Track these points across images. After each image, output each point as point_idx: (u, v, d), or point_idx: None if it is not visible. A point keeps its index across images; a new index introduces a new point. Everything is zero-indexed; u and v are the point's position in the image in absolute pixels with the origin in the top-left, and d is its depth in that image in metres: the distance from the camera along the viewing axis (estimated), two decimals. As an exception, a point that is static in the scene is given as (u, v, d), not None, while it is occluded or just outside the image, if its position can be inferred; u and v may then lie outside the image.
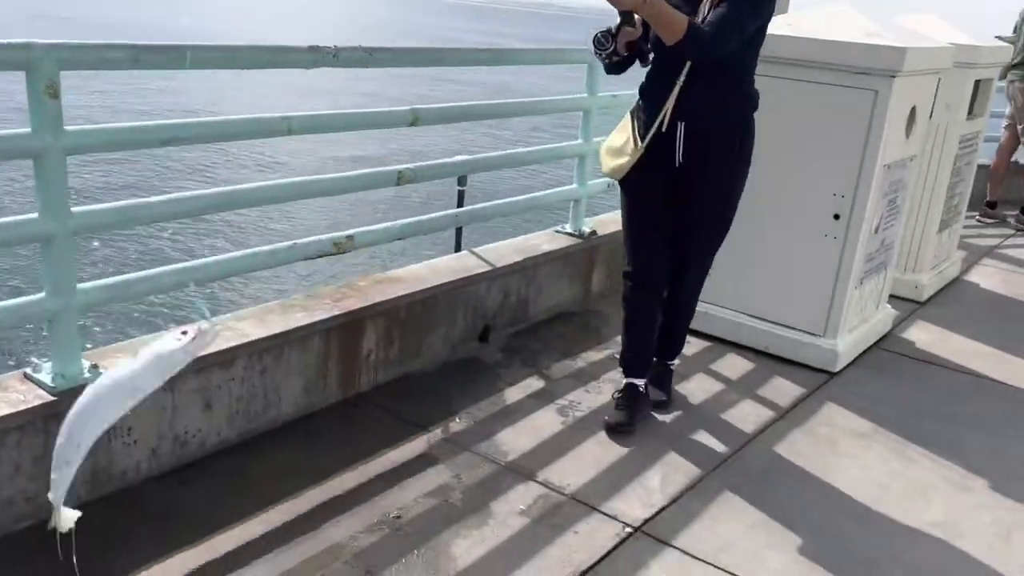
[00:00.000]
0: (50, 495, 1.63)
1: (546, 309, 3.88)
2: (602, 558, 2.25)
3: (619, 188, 2.83)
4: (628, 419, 2.87)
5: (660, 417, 3.01)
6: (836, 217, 3.36)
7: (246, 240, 9.53)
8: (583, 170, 3.93)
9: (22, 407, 2.13)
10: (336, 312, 2.91)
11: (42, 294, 2.21)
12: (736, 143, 2.67)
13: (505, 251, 3.72)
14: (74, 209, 2.19)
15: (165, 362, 1.54)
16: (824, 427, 3.06)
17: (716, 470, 2.72)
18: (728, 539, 2.37)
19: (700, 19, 2.46)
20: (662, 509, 2.48)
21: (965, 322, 4.19)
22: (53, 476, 1.61)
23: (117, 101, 16.78)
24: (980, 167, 5.23)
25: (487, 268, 3.51)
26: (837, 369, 3.48)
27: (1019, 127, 6.25)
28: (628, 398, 2.92)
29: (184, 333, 1.50)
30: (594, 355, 3.50)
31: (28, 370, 2.27)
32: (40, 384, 2.22)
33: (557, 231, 4.05)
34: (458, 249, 4.03)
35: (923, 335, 4.01)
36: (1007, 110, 6.32)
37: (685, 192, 2.71)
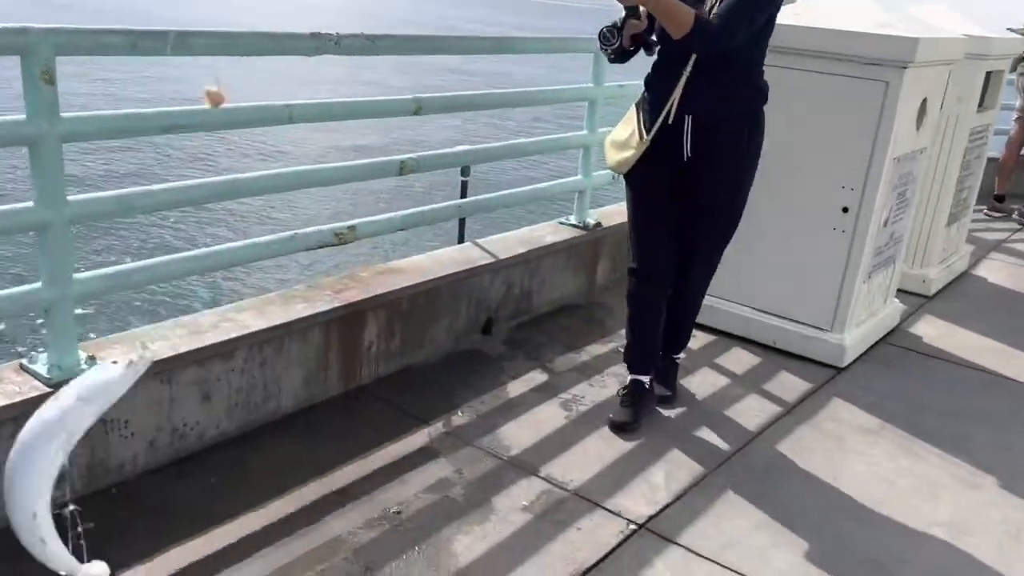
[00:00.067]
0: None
1: (550, 301, 3.84)
2: (606, 555, 2.22)
3: (624, 182, 2.78)
4: (633, 417, 2.83)
5: (665, 412, 2.98)
6: (845, 210, 3.31)
7: (248, 230, 9.51)
8: (588, 161, 3.88)
9: (17, 399, 2.10)
10: (337, 303, 2.87)
11: (38, 283, 2.17)
12: (744, 135, 2.61)
13: (509, 242, 3.68)
14: (70, 197, 2.15)
15: (98, 394, 1.35)
16: (831, 423, 3.02)
17: (721, 466, 2.68)
18: (733, 537, 2.34)
19: (708, 9, 2.40)
20: (666, 506, 2.45)
21: (973, 317, 4.14)
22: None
23: (119, 89, 16.74)
24: (989, 160, 5.17)
25: (490, 260, 3.46)
26: (844, 364, 3.44)
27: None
28: (633, 395, 2.88)
29: (115, 363, 1.33)
30: (598, 348, 3.47)
31: (24, 361, 2.24)
32: (36, 375, 2.18)
33: (561, 223, 4.00)
34: (461, 240, 3.99)
35: (931, 330, 3.96)
36: (1017, 103, 6.25)
37: (692, 185, 2.66)
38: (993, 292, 4.66)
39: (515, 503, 2.41)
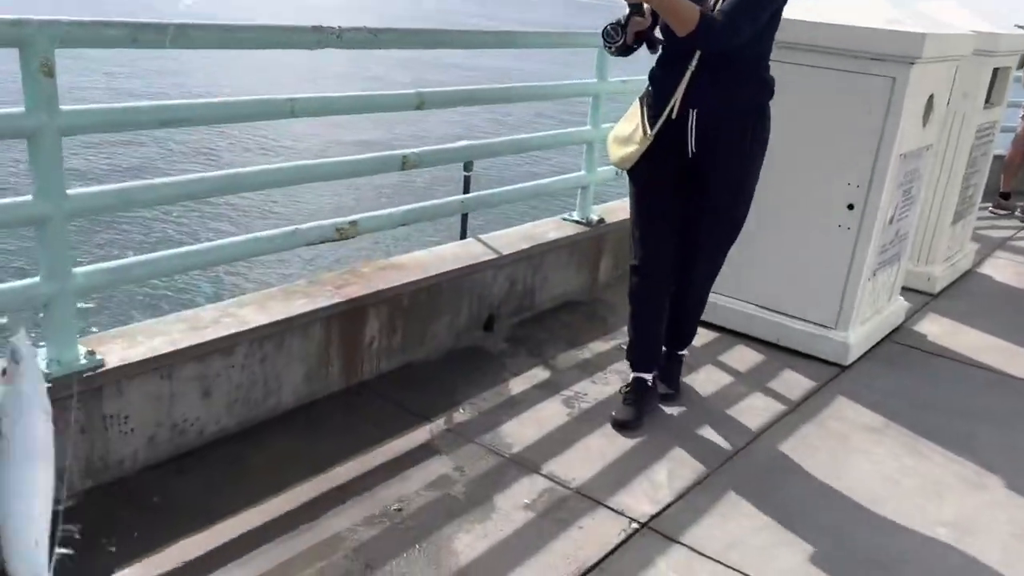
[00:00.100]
0: None
1: (552, 298, 3.82)
2: (608, 554, 2.20)
3: (627, 178, 2.75)
4: (635, 416, 2.81)
5: (668, 410, 2.96)
6: (850, 207, 3.29)
7: (251, 224, 9.50)
8: (592, 156, 3.86)
9: (15, 394, 2.08)
10: (338, 299, 2.85)
11: (37, 278, 2.15)
12: (749, 130, 2.58)
13: (511, 238, 3.66)
14: (70, 191, 2.13)
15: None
16: (835, 421, 3.00)
17: (725, 465, 2.66)
18: (737, 536, 2.32)
19: (712, 5, 2.38)
20: (669, 505, 2.43)
21: (978, 315, 4.12)
22: None
23: (124, 83, 16.73)
24: (995, 158, 5.14)
25: (493, 256, 3.44)
26: (848, 362, 3.41)
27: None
28: (636, 392, 2.86)
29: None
30: (601, 345, 3.45)
31: (23, 355, 2.22)
32: (35, 370, 2.16)
33: (564, 219, 3.98)
34: (463, 236, 3.97)
35: (935, 328, 3.94)
36: (1024, 100, 6.22)
37: (696, 182, 2.63)
38: (998, 290, 4.63)
39: (517, 501, 2.39)
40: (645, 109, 2.64)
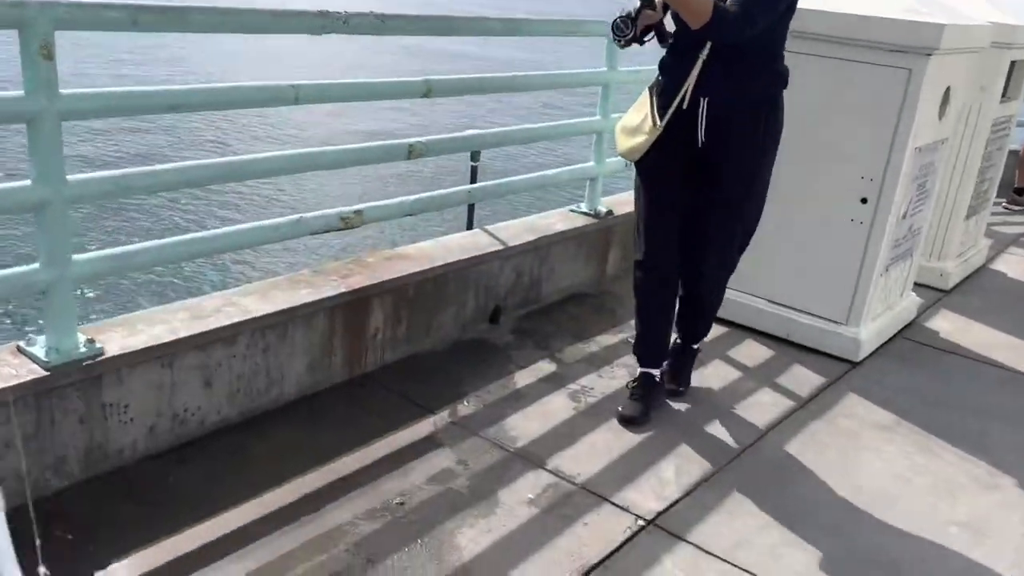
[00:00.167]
0: None
1: (559, 290, 3.77)
2: (613, 552, 2.17)
3: (634, 169, 2.70)
4: (642, 411, 2.77)
5: (675, 405, 2.91)
6: (863, 201, 3.23)
7: (261, 213, 9.48)
8: (600, 147, 3.81)
9: (13, 382, 2.05)
10: (343, 289, 2.82)
11: (36, 264, 2.12)
12: (762, 121, 2.52)
13: (518, 229, 3.61)
14: (69, 177, 2.09)
15: None
16: (845, 418, 2.96)
17: (732, 462, 2.62)
18: (745, 535, 2.28)
19: None
20: (676, 502, 2.39)
21: (990, 312, 4.06)
22: None
23: (132, 71, 16.71)
24: (1010, 153, 5.06)
25: (499, 247, 3.40)
26: (859, 358, 3.36)
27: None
28: (643, 388, 2.82)
29: None
30: (608, 338, 3.40)
31: (22, 343, 2.19)
32: (33, 358, 2.14)
33: (572, 210, 3.93)
34: (470, 227, 3.92)
35: (947, 324, 3.88)
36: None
37: (706, 174, 2.56)
38: (1011, 287, 4.57)
39: (521, 496, 2.36)
40: (655, 99, 2.58)
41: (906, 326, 3.78)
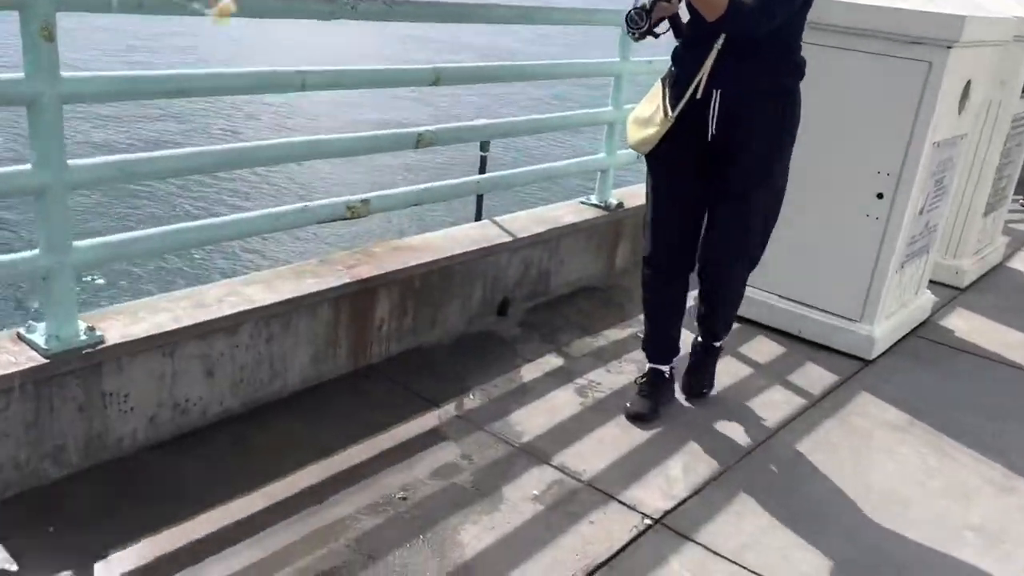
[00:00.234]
0: None
1: (568, 283, 3.73)
2: (619, 551, 2.12)
3: (645, 162, 2.64)
4: (650, 408, 2.72)
5: (684, 402, 2.86)
6: (880, 196, 3.17)
7: (270, 202, 9.46)
8: (612, 139, 3.75)
9: (12, 369, 2.02)
10: (348, 279, 2.78)
11: (36, 250, 2.09)
12: (778, 114, 2.45)
13: (527, 221, 3.56)
14: (70, 161, 2.06)
15: None
16: (858, 418, 2.90)
17: (742, 461, 2.57)
18: (754, 536, 2.23)
19: None
20: (684, 501, 2.34)
21: (1007, 311, 3.99)
22: None
23: (146, 57, 16.73)
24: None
25: (508, 238, 3.35)
26: (872, 356, 3.31)
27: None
28: (651, 384, 2.77)
29: None
30: (616, 333, 3.36)
31: (21, 330, 2.16)
32: (33, 345, 2.11)
33: (582, 202, 3.88)
34: (478, 218, 3.88)
35: (962, 323, 3.82)
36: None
37: (720, 168, 2.49)
38: (1028, 286, 4.50)
39: (525, 492, 2.32)
40: (667, 90, 2.52)
41: (920, 324, 3.72)
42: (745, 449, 2.63)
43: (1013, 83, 3.98)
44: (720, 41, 2.36)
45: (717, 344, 2.91)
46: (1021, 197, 5.97)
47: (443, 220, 7.31)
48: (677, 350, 2.83)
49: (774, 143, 2.48)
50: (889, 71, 3.05)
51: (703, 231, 2.63)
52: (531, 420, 2.67)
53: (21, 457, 2.09)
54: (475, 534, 2.14)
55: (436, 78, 2.89)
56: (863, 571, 2.17)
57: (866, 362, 3.29)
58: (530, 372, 2.98)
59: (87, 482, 2.20)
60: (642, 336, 2.87)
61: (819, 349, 3.35)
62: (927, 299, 3.79)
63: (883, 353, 3.38)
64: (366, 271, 2.85)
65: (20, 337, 2.14)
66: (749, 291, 3.42)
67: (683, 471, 2.48)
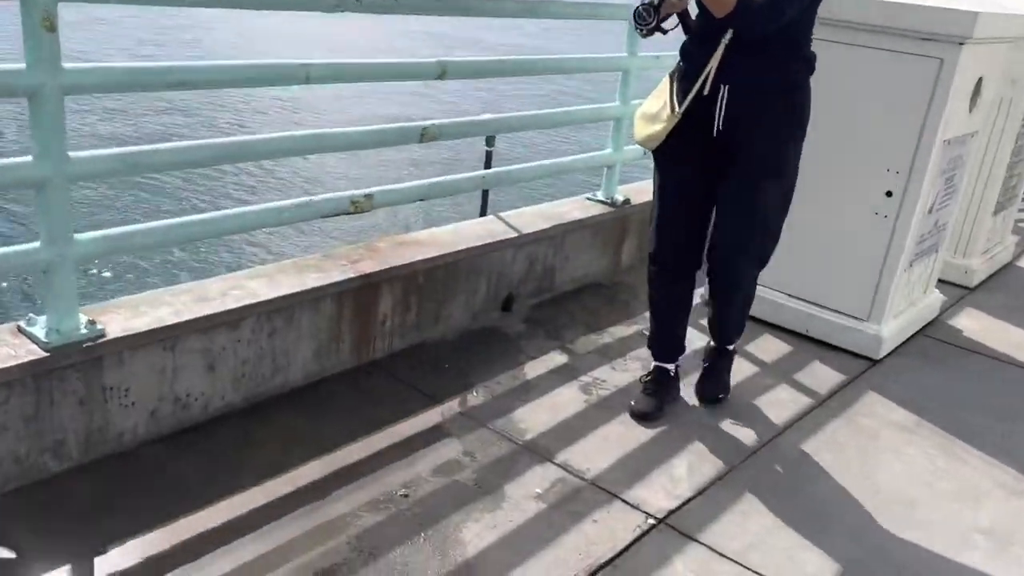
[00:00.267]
0: None
1: (573, 279, 3.70)
2: (623, 551, 2.10)
3: (653, 158, 2.61)
4: (655, 407, 2.70)
5: (690, 401, 2.84)
6: (888, 194, 3.13)
7: (276, 196, 9.46)
8: (619, 134, 3.72)
9: (11, 363, 2.01)
10: (352, 274, 2.76)
11: (37, 243, 2.07)
12: (787, 109, 2.41)
13: (532, 217, 3.54)
14: (72, 154, 2.04)
15: None
16: (865, 418, 2.87)
17: (748, 460, 2.55)
18: (759, 536, 2.21)
19: None
20: (688, 500, 2.32)
21: (1016, 310, 3.95)
22: None
23: (154, 51, 16.74)
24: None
25: (513, 234, 3.33)
26: (880, 356, 3.27)
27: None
28: (656, 382, 2.74)
29: None
30: (622, 330, 3.33)
31: (22, 323, 2.15)
32: (33, 338, 2.09)
33: (588, 198, 3.86)
34: (483, 213, 3.85)
35: (971, 323, 3.78)
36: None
37: (728, 165, 2.45)
38: (1038, 286, 4.45)
39: (528, 491, 2.30)
40: (675, 85, 2.49)
41: (929, 324, 3.68)
42: (751, 448, 2.61)
43: (1025, 81, 3.94)
44: (728, 36, 2.33)
45: (730, 348, 2.86)
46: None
47: (449, 216, 7.30)
48: (683, 349, 2.80)
49: (783, 139, 2.45)
50: (900, 67, 3.01)
51: (712, 229, 2.60)
52: (534, 417, 2.65)
53: (21, 451, 2.07)
54: (477, 532, 2.12)
55: (442, 71, 2.86)
56: (869, 573, 2.14)
57: (874, 361, 3.25)
58: (534, 369, 2.96)
59: (87, 476, 2.19)
60: (647, 334, 2.84)
61: (826, 348, 3.31)
62: (936, 298, 3.76)
63: (891, 352, 3.34)
64: (369, 266, 2.83)
65: (20, 330, 2.13)
66: (756, 289, 3.40)
67: (688, 470, 2.45)
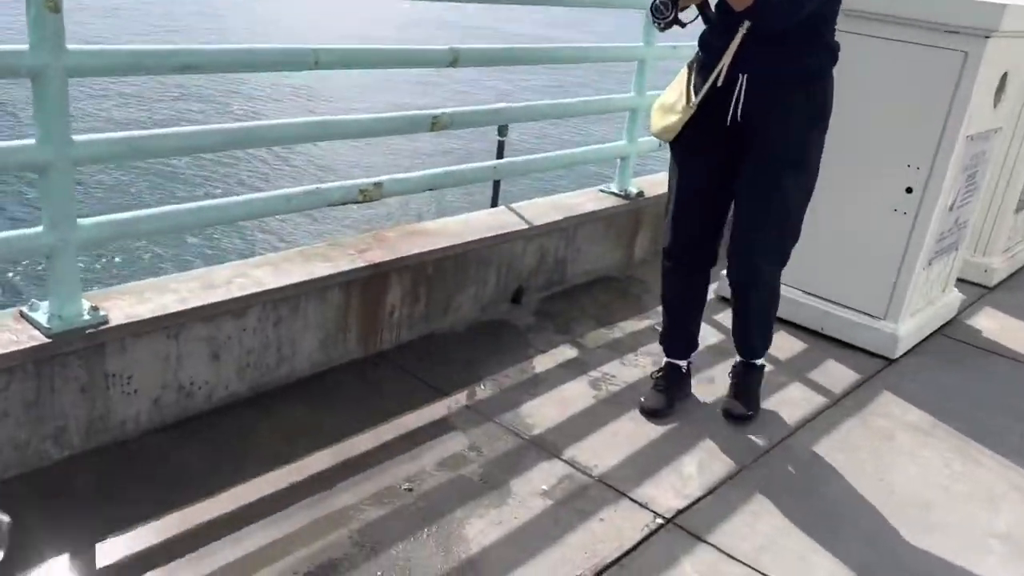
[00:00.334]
0: None
1: (585, 273, 3.65)
2: (629, 550, 2.06)
3: (669, 150, 2.55)
4: (665, 403, 2.65)
5: (701, 398, 2.79)
6: (909, 191, 3.06)
7: (288, 184, 9.44)
8: (634, 125, 3.67)
9: (12, 348, 1.98)
10: (360, 264, 2.72)
11: (40, 227, 2.04)
12: (809, 99, 2.33)
13: (544, 208, 3.49)
14: (75, 137, 2.01)
15: None
16: (880, 418, 2.81)
17: (759, 460, 2.50)
18: (770, 538, 2.16)
19: None
20: (698, 500, 2.27)
21: (1037, 311, 3.88)
22: None
23: (170, 37, 16.75)
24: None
25: (524, 226, 3.28)
26: (896, 355, 3.21)
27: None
28: (667, 379, 2.69)
29: None
30: (633, 325, 3.28)
31: (25, 308, 2.12)
32: (35, 324, 2.07)
33: (602, 190, 3.80)
34: (495, 204, 3.81)
35: (990, 323, 3.71)
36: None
37: (748, 157, 2.37)
38: (1059, 286, 4.37)
39: (534, 487, 2.26)
40: (693, 75, 2.43)
41: (947, 323, 3.61)
42: (762, 448, 2.56)
43: (1051, 76, 3.84)
44: (746, 25, 2.26)
45: (757, 363, 2.74)
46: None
47: (462, 206, 7.25)
48: (695, 345, 2.75)
49: (804, 130, 2.36)
50: (923, 61, 2.94)
51: (732, 227, 2.52)
52: (542, 412, 2.61)
53: (21, 437, 2.05)
54: (481, 528, 2.08)
55: (454, 59, 2.81)
56: (882, 578, 2.09)
57: (889, 361, 3.19)
58: (543, 363, 2.92)
59: (88, 464, 2.16)
60: (659, 329, 2.79)
61: (841, 347, 3.25)
62: (954, 297, 3.68)
63: (907, 352, 3.28)
64: (378, 255, 2.79)
65: (23, 315, 2.10)
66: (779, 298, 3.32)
67: (698, 469, 2.41)
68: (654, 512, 2.20)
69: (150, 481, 2.14)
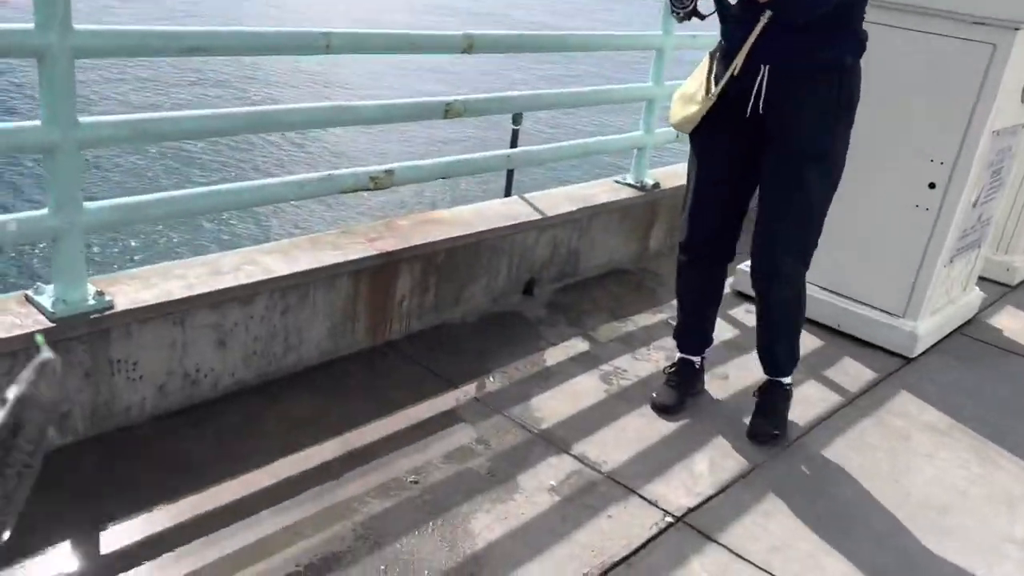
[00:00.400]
0: None
1: (598, 265, 3.60)
2: (638, 549, 2.02)
3: (689, 141, 2.49)
4: (677, 399, 2.60)
5: (714, 395, 2.74)
6: (931, 186, 3.00)
7: (302, 170, 9.44)
8: (651, 115, 3.61)
9: (16, 332, 1.96)
10: (370, 252, 2.68)
11: (45, 210, 2.02)
12: (833, 90, 2.24)
13: (558, 199, 3.44)
14: (82, 119, 1.98)
15: None
16: (896, 418, 2.76)
17: (773, 458, 2.45)
18: (782, 539, 2.11)
19: None
20: (709, 499, 2.22)
21: (1060, 311, 3.80)
22: None
23: (185, 21, 16.76)
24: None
25: (537, 216, 3.23)
26: (915, 354, 3.15)
27: None
28: (680, 375, 2.64)
29: None
30: (646, 318, 3.23)
31: (30, 292, 2.10)
32: (39, 308, 2.05)
33: (617, 181, 3.75)
34: (508, 194, 3.76)
35: (1012, 323, 3.63)
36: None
37: (770, 149, 2.30)
38: (1083, 286, 4.28)
39: (542, 482, 2.22)
40: (714, 65, 2.37)
41: (967, 322, 3.54)
42: (776, 447, 2.51)
43: (1080, 71, 3.75)
44: (767, 14, 2.19)
45: (784, 381, 2.59)
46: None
47: (476, 195, 7.21)
48: (709, 341, 2.70)
49: (828, 122, 2.27)
50: (949, 53, 2.86)
51: (756, 221, 2.45)
52: (552, 406, 2.57)
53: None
54: (487, 523, 2.04)
55: (468, 45, 2.76)
56: (897, 583, 2.04)
57: (907, 360, 3.13)
58: (554, 356, 2.88)
59: (92, 450, 2.14)
60: (673, 324, 2.74)
61: (859, 344, 3.19)
62: (976, 296, 3.61)
63: (926, 351, 3.22)
64: (388, 244, 2.75)
65: (28, 299, 2.08)
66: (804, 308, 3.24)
67: (709, 467, 2.36)
68: (664, 510, 2.16)
69: (154, 468, 2.12)
